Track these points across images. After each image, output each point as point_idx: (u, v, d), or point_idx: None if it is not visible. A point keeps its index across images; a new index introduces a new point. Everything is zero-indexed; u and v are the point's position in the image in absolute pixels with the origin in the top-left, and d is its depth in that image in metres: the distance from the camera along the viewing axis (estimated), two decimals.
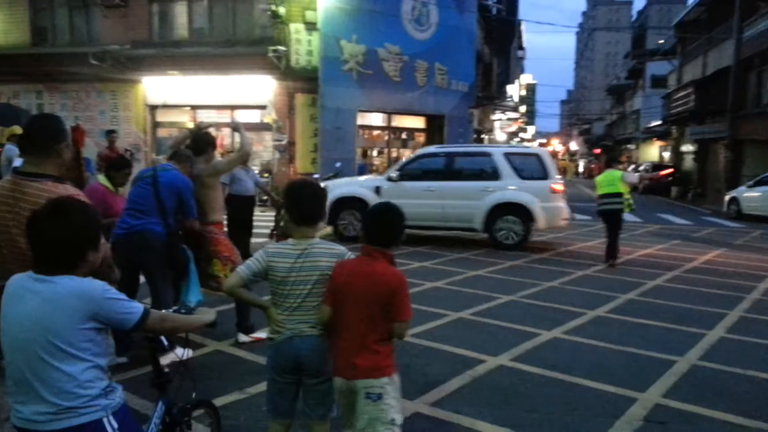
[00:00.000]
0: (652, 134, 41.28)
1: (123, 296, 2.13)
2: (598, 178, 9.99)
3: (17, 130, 10.25)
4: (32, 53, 19.20)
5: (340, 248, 2.91)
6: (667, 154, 39.61)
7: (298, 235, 2.87)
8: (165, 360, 2.81)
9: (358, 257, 2.83)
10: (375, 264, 2.76)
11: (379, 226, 2.83)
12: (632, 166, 35.79)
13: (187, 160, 5.07)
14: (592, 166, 53.16)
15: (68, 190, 2.82)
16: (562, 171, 56.43)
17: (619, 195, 9.55)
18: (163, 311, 2.42)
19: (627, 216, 10.39)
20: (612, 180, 9.64)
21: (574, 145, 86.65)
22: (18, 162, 7.02)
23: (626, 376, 4.86)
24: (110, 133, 11.81)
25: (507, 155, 11.31)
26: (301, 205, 2.89)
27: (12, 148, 8.55)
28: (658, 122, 37.19)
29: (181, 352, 3.02)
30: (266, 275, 2.84)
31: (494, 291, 7.78)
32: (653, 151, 44.23)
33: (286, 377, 2.88)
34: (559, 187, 10.97)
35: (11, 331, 2.03)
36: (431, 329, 6.08)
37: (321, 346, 2.82)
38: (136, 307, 2.14)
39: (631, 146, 51.90)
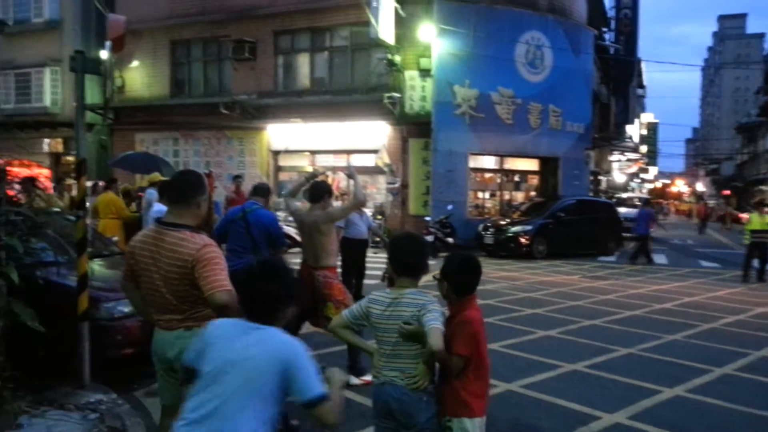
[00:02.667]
0: None
1: (314, 371, 2.25)
2: (753, 217, 13.54)
3: (157, 176, 11.23)
4: (171, 104, 21.02)
5: (424, 298, 2.89)
6: None
7: (397, 284, 2.97)
8: None
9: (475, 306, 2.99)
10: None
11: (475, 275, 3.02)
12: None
13: (266, 194, 5.71)
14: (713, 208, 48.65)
15: (204, 239, 3.10)
16: (687, 213, 53.39)
17: None
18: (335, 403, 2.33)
19: None
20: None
21: (700, 186, 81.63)
22: (157, 207, 7.73)
23: None
24: (236, 178, 12.63)
25: None
26: (401, 257, 3.00)
27: (152, 192, 9.33)
28: None
29: None
30: (368, 320, 2.96)
31: (611, 342, 7.47)
32: None
33: (383, 422, 2.95)
34: None
35: (218, 366, 2.24)
36: (542, 381, 5.94)
37: (410, 396, 2.81)
38: (321, 388, 2.24)
39: (765, 187, 48.15)
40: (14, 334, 3.61)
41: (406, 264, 2.97)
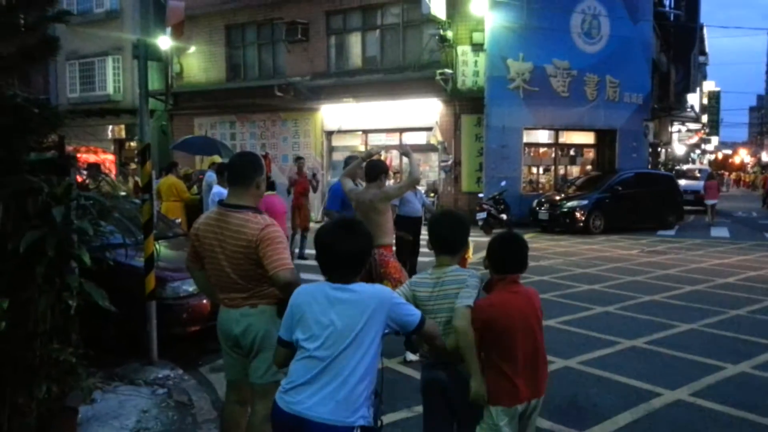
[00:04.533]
0: None
1: (405, 301, 2.53)
2: None
3: (217, 159, 11.55)
4: (227, 88, 21.41)
5: (466, 273, 2.91)
6: None
7: (438, 263, 2.97)
8: None
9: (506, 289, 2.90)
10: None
11: (514, 254, 2.94)
12: None
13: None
14: None
15: (266, 220, 3.20)
16: (753, 184, 50.99)
17: None
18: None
19: None
20: None
21: (765, 156, 77.80)
22: (216, 189, 7.95)
23: None
24: (298, 160, 12.77)
25: None
26: (437, 233, 2.99)
27: (212, 175, 9.60)
28: None
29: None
30: (416, 304, 2.93)
31: (672, 318, 7.31)
32: None
33: (433, 402, 2.99)
34: None
35: (319, 331, 2.36)
36: (601, 357, 5.89)
37: (461, 375, 2.83)
38: (417, 312, 2.53)
39: None
40: (87, 314, 3.81)
41: (443, 240, 2.97)
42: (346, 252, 2.42)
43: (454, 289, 2.85)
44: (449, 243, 2.97)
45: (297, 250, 11.36)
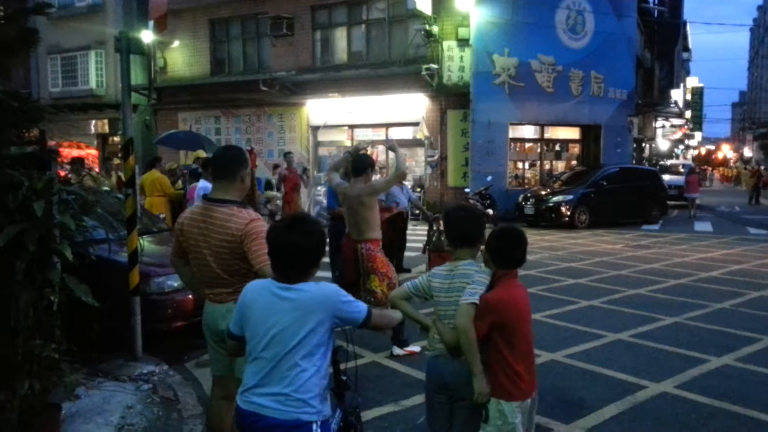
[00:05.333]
0: None
1: (351, 297, 2.49)
2: None
3: (201, 153, 11.46)
4: (212, 83, 21.24)
5: (474, 268, 2.90)
6: None
7: (456, 256, 2.97)
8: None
9: (510, 283, 2.89)
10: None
11: (521, 247, 2.92)
12: None
13: None
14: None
15: (251, 214, 3.17)
16: (735, 179, 51.52)
17: None
18: (377, 309, 2.69)
19: None
20: None
21: (747, 152, 78.64)
22: (201, 183, 7.89)
23: None
24: (288, 155, 12.76)
25: None
26: (456, 226, 2.99)
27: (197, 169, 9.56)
28: None
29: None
30: (431, 294, 2.98)
31: (657, 311, 7.37)
32: None
33: (436, 396, 2.98)
34: None
35: (264, 331, 2.37)
36: (587, 350, 5.92)
37: (466, 369, 2.81)
38: (363, 306, 2.50)
39: None
40: (69, 310, 3.76)
41: (462, 233, 2.96)
42: (291, 252, 2.37)
43: (462, 284, 2.86)
44: (467, 235, 2.96)
45: None
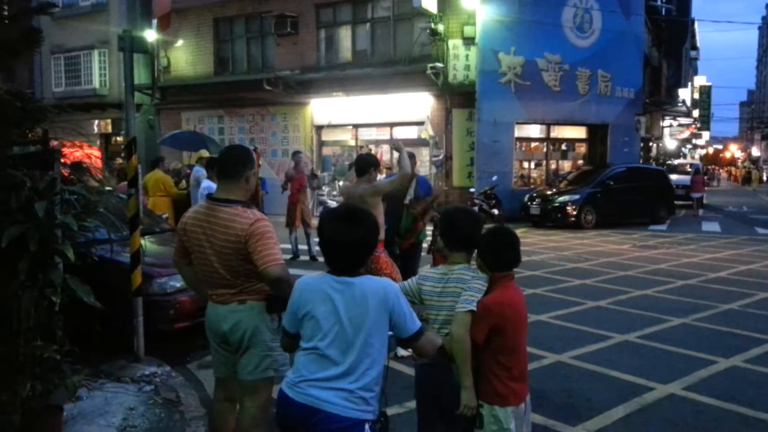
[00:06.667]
0: None
1: (409, 304, 2.43)
2: None
3: (204, 153, 11.42)
4: (215, 82, 21.19)
5: (470, 274, 2.82)
6: None
7: (450, 259, 2.89)
8: None
9: (508, 286, 2.83)
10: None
11: (514, 248, 2.86)
12: None
13: None
14: None
15: (255, 214, 3.12)
16: (744, 179, 51.35)
17: None
18: (429, 333, 2.57)
19: None
20: None
21: (755, 151, 78.23)
22: (205, 183, 7.86)
23: None
24: (296, 154, 12.49)
25: None
26: (457, 230, 2.91)
27: (200, 170, 9.49)
28: None
29: None
30: (419, 298, 2.91)
31: (664, 312, 7.30)
32: None
33: (426, 404, 2.93)
34: None
35: (328, 327, 2.31)
36: (593, 352, 5.86)
37: (455, 378, 2.76)
38: (418, 320, 2.43)
39: None
40: (71, 310, 3.73)
41: (460, 236, 2.87)
42: (345, 244, 2.33)
43: (456, 288, 2.79)
44: (468, 239, 2.88)
45: (290, 248, 11.10)
